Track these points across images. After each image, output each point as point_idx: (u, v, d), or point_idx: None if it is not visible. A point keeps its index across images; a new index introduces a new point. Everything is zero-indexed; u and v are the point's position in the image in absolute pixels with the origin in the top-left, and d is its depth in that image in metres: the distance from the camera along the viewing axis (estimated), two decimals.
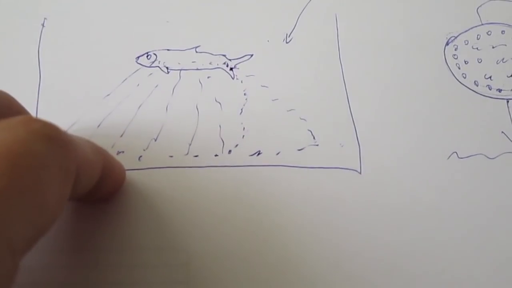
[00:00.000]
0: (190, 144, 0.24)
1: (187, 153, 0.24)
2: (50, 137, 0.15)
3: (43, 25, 0.27)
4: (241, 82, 0.26)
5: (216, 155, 0.24)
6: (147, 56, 0.26)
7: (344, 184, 0.24)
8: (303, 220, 0.23)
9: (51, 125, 0.15)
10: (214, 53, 0.26)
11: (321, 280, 0.22)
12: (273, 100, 0.25)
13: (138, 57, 0.26)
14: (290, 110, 0.25)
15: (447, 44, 0.27)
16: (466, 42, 0.27)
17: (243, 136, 0.24)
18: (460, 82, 0.26)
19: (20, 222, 0.13)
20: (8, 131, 0.14)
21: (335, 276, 0.22)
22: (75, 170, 0.16)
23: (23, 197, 0.13)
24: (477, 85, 0.26)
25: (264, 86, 0.26)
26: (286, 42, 0.27)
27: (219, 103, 0.25)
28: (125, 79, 0.26)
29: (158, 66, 0.26)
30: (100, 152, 0.19)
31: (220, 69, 0.26)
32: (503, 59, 0.27)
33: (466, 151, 0.24)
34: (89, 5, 0.27)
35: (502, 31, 0.27)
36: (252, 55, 0.26)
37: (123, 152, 0.24)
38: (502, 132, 0.25)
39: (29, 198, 0.13)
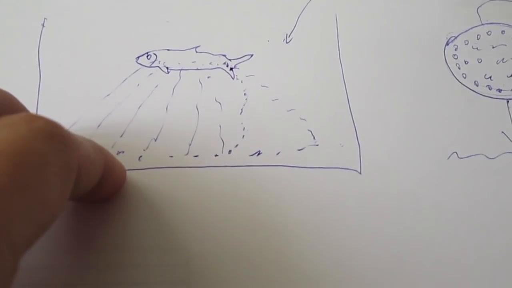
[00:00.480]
0: (190, 144, 0.24)
1: (187, 153, 0.24)
2: (52, 134, 0.14)
3: (43, 25, 0.27)
4: (241, 82, 0.26)
5: (216, 155, 0.24)
6: (147, 56, 0.26)
7: (344, 184, 0.24)
8: (303, 220, 0.23)
9: (53, 123, 0.15)
10: (214, 53, 0.26)
11: (321, 278, 0.22)
12: (273, 100, 0.25)
13: (138, 57, 0.26)
14: (290, 110, 0.25)
15: (447, 44, 0.27)
16: (466, 42, 0.27)
17: (243, 136, 0.24)
18: (460, 82, 0.26)
19: (21, 220, 0.13)
20: (10, 128, 0.14)
21: (336, 274, 0.22)
22: (77, 168, 0.16)
23: (24, 194, 0.13)
24: (477, 85, 0.26)
25: (264, 86, 0.26)
26: (286, 42, 0.27)
27: (219, 103, 0.25)
28: (125, 79, 0.26)
29: (158, 66, 0.26)
30: (101, 152, 0.19)
31: (220, 69, 0.26)
32: (503, 59, 0.27)
33: (466, 151, 0.24)
34: (89, 5, 0.27)
35: (502, 31, 0.27)
36: (252, 55, 0.26)
37: (123, 152, 0.24)
38: (502, 132, 0.25)
39: (30, 196, 0.13)
